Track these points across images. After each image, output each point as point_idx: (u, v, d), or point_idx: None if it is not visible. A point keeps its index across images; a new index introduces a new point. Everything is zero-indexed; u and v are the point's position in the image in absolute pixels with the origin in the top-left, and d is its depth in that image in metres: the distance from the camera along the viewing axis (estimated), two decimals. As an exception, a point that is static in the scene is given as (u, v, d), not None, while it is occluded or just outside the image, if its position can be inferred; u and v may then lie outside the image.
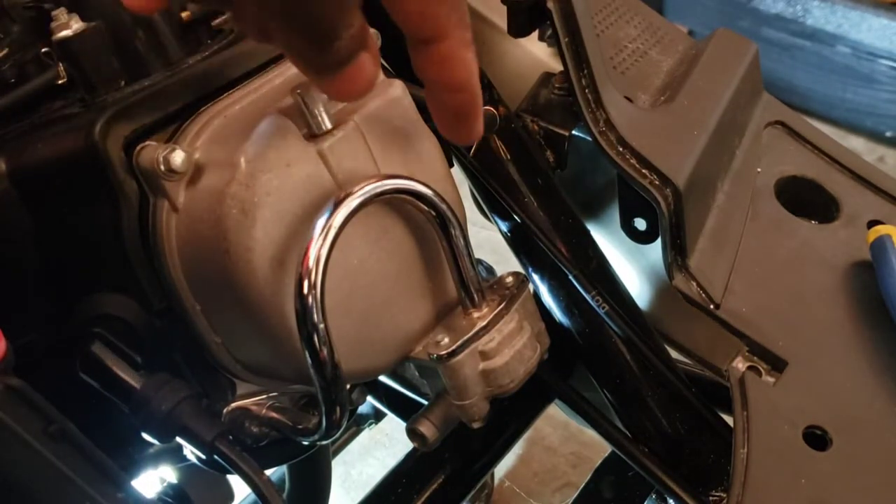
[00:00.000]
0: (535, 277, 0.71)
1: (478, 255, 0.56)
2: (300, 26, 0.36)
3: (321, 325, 0.45)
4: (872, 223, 0.71)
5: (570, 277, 0.67)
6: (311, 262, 0.45)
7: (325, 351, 0.46)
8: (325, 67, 0.38)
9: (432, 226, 0.52)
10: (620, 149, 0.63)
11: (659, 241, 0.64)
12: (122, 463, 0.55)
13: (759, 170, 0.76)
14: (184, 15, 0.55)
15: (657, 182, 0.62)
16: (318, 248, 0.45)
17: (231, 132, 0.50)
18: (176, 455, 0.56)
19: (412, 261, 0.54)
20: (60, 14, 0.51)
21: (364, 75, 0.39)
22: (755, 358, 0.62)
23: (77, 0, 0.52)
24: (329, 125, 0.49)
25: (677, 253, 0.64)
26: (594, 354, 0.71)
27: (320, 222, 0.45)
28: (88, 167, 0.47)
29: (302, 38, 0.36)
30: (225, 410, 0.55)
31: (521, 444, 1.37)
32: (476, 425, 0.55)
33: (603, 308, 0.67)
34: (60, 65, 0.54)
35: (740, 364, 0.61)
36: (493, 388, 0.54)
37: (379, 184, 0.48)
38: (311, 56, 0.38)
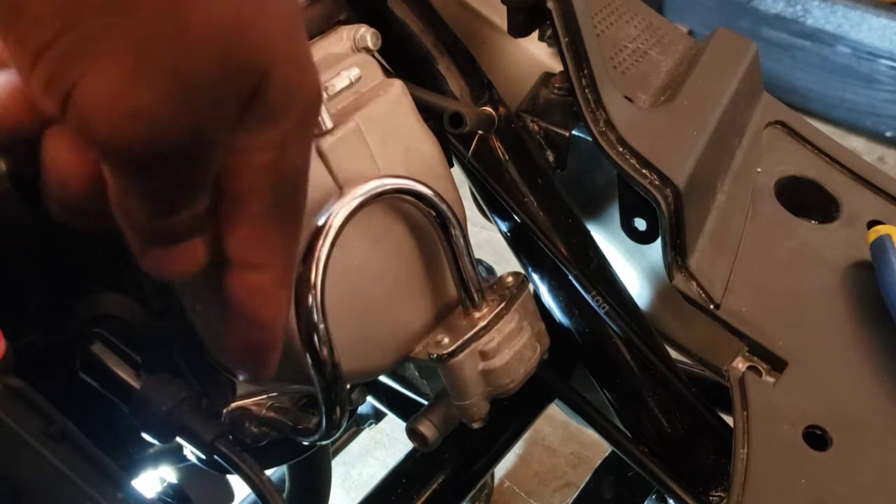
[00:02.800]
0: (535, 277, 0.71)
1: (478, 255, 0.56)
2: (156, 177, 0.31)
3: (321, 325, 0.45)
4: (872, 223, 0.71)
5: (570, 277, 0.67)
6: (311, 263, 0.45)
7: (325, 351, 0.46)
8: (157, 235, 0.33)
9: (432, 226, 0.52)
10: (620, 149, 0.63)
11: (659, 241, 0.63)
12: (122, 463, 0.55)
13: (759, 170, 0.76)
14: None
15: (657, 182, 0.62)
16: (318, 249, 0.45)
17: (231, 132, 0.50)
18: (176, 455, 0.56)
19: (412, 261, 0.53)
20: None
21: (190, 259, 0.35)
22: (755, 358, 0.62)
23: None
24: (329, 125, 0.49)
25: (677, 253, 0.64)
26: (594, 354, 0.71)
27: (320, 222, 0.45)
28: (88, 167, 0.47)
29: (149, 192, 0.31)
30: (225, 410, 0.55)
31: (521, 444, 1.37)
32: (476, 425, 0.55)
33: (603, 308, 0.66)
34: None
35: (740, 364, 0.61)
36: (493, 389, 0.54)
37: (379, 184, 0.48)
38: (146, 214, 0.32)
